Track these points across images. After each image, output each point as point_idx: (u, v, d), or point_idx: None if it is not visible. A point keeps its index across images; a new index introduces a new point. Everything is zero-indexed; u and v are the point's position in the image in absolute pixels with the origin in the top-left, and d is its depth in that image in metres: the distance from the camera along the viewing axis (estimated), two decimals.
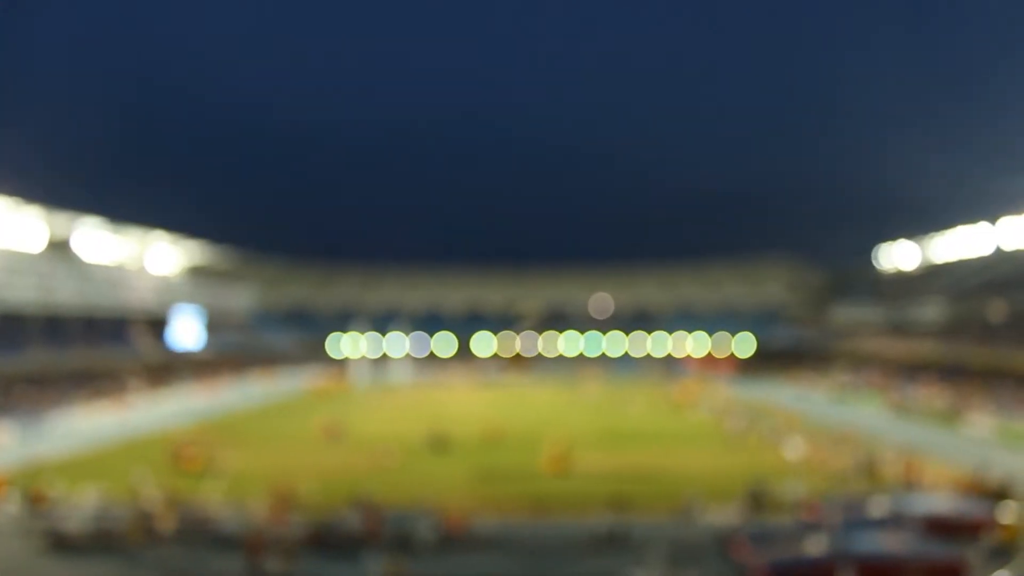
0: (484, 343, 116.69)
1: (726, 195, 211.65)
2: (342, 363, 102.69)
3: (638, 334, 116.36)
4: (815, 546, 23.66)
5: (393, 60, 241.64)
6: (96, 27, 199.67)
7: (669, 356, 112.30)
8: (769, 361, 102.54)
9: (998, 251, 70.40)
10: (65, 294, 72.61)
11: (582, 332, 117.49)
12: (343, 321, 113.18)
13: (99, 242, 73.75)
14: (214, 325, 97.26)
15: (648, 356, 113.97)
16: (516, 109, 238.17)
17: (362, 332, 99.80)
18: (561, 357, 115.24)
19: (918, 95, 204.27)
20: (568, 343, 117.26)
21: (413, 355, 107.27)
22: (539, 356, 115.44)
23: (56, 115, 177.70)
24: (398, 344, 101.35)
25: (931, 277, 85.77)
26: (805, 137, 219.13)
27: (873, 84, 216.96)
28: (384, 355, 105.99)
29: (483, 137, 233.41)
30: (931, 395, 66.04)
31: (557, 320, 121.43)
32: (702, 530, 27.65)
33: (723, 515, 29.62)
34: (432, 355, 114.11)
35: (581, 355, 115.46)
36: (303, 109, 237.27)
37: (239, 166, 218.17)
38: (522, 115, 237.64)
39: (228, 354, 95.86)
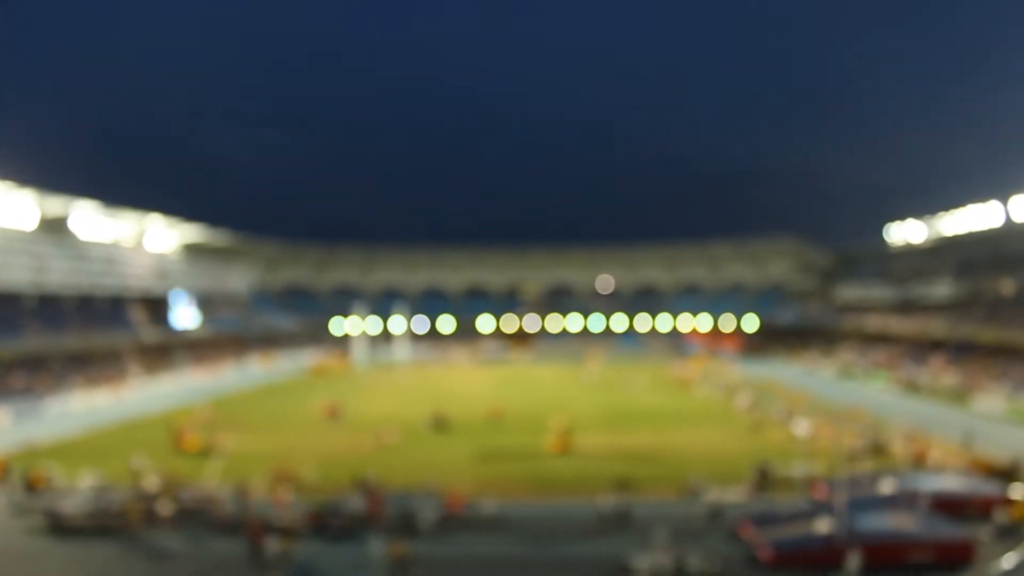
0: (487, 321, 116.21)
1: (735, 175, 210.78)
2: (343, 342, 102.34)
3: (643, 312, 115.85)
4: (822, 526, 23.34)
5: (394, 39, 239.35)
6: (93, 16, 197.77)
7: (675, 332, 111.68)
8: (775, 339, 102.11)
9: (1007, 224, 69.32)
10: (63, 276, 71.29)
11: (586, 315, 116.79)
12: (344, 300, 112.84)
13: (97, 224, 72.51)
14: (213, 306, 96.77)
15: (653, 331, 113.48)
16: (522, 91, 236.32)
17: (364, 311, 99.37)
18: (565, 332, 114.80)
19: (927, 76, 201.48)
20: (572, 319, 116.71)
21: (415, 333, 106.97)
22: (543, 332, 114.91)
23: (56, 101, 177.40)
24: (400, 323, 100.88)
25: (939, 255, 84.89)
26: (813, 117, 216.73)
27: (882, 65, 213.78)
28: (386, 334, 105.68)
29: (487, 117, 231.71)
30: (939, 373, 65.50)
31: (561, 300, 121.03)
32: (708, 510, 27.30)
33: (730, 495, 29.28)
34: (434, 333, 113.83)
35: (585, 330, 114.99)
36: (303, 87, 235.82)
37: (239, 148, 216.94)
38: (529, 97, 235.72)
39: (227, 334, 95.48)
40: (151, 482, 29.93)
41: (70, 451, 39.51)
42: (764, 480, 30.84)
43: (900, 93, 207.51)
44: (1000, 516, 25.35)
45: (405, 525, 25.93)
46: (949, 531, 23.25)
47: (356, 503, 27.20)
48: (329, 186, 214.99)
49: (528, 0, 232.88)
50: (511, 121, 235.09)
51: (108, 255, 77.84)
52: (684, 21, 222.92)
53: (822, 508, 25.15)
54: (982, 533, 24.22)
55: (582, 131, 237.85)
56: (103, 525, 25.90)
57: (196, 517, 26.91)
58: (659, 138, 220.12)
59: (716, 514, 26.91)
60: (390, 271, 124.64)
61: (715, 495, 28.72)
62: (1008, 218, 69.25)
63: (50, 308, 70.10)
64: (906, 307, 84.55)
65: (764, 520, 24.75)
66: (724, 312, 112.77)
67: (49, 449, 39.81)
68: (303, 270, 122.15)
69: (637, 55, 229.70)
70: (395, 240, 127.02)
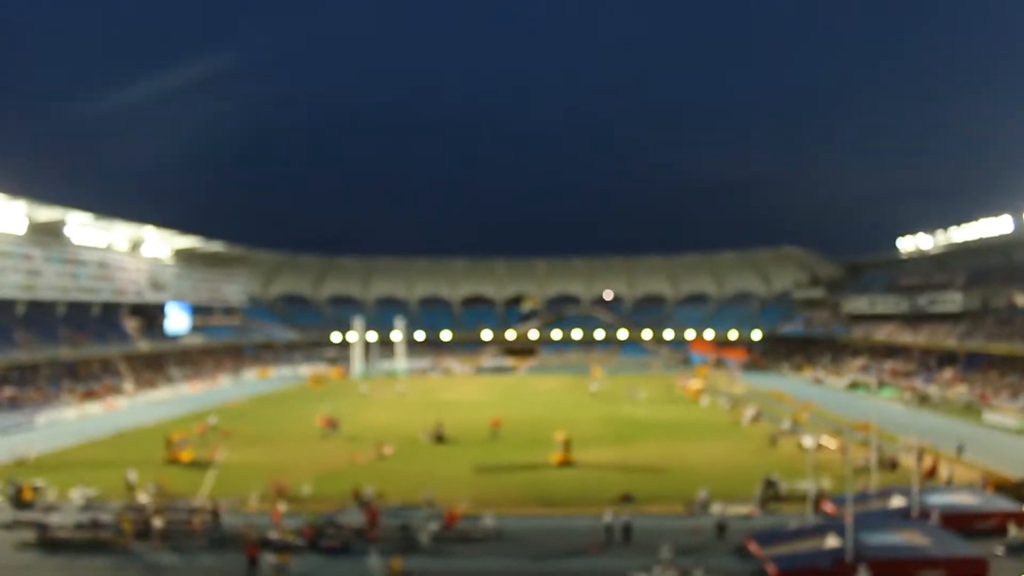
0: (488, 332, 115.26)
1: (740, 185, 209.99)
2: (342, 353, 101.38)
3: (648, 321, 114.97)
4: (830, 542, 22.71)
5: (394, 45, 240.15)
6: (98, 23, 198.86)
7: (680, 343, 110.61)
8: (782, 350, 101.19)
9: (1018, 233, 68.12)
10: (54, 283, 67.73)
11: (588, 327, 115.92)
12: (343, 311, 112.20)
13: (90, 233, 70.97)
14: (208, 315, 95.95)
15: (658, 342, 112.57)
16: (523, 100, 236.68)
17: (362, 322, 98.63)
18: (567, 343, 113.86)
19: (939, 87, 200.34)
20: (575, 331, 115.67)
21: (415, 343, 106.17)
22: (545, 342, 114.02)
23: (59, 112, 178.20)
24: (399, 332, 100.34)
25: (949, 265, 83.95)
26: (821, 128, 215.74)
27: (891, 76, 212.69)
28: (385, 344, 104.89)
29: (488, 127, 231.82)
30: (950, 385, 64.62)
31: (563, 311, 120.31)
32: (714, 525, 26.65)
33: (736, 509, 28.64)
34: (434, 344, 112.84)
35: (588, 341, 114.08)
36: (302, 93, 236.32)
37: (240, 161, 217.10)
38: (531, 106, 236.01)
39: (223, 344, 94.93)
40: (144, 495, 29.46)
41: (61, 464, 38.96)
42: (772, 494, 30.21)
43: (910, 104, 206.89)
44: (1013, 532, 24.69)
45: (404, 539, 25.38)
46: (961, 548, 22.62)
47: (354, 517, 26.70)
48: (328, 196, 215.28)
49: (530, 9, 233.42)
50: (513, 131, 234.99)
51: (101, 262, 74.43)
52: (689, 28, 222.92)
53: (830, 523, 24.52)
54: (995, 550, 23.59)
55: (585, 140, 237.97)
56: (94, 539, 25.39)
57: (190, 530, 26.40)
58: (663, 147, 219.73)
59: (722, 529, 26.27)
60: (390, 282, 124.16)
61: (721, 509, 28.11)
62: (1019, 227, 68.23)
63: (41, 316, 68.50)
64: (916, 318, 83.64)
65: (771, 536, 24.14)
66: (730, 323, 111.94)
67: (40, 461, 39.24)
68: (301, 280, 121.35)
69: (641, 64, 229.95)
70: (395, 251, 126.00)
